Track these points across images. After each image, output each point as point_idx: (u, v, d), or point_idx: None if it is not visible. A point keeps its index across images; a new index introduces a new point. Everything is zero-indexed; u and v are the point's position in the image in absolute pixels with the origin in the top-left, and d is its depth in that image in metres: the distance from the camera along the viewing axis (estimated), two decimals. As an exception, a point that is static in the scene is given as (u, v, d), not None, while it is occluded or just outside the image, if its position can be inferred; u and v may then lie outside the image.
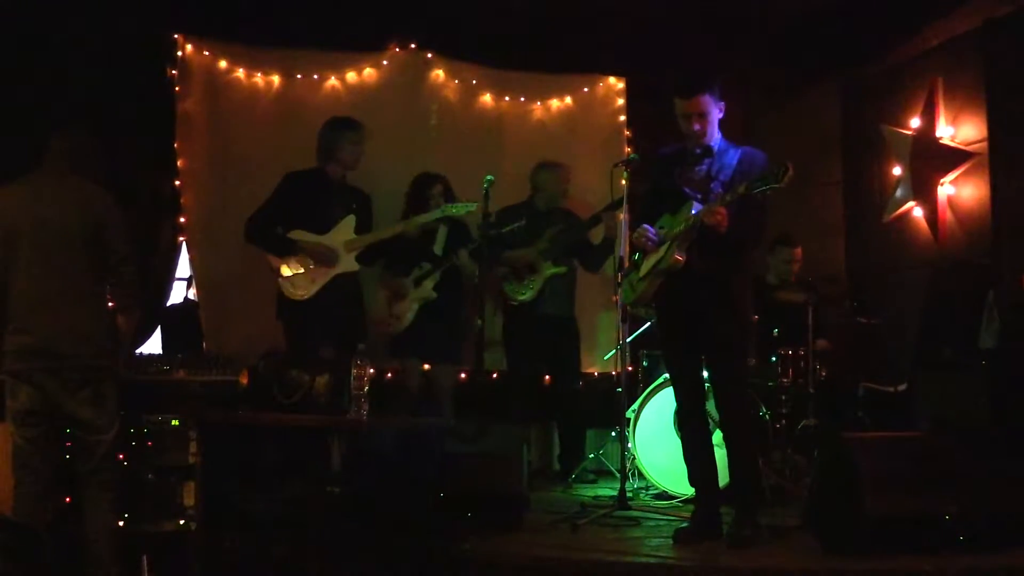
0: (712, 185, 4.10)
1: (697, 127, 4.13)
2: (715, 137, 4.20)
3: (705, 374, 4.37)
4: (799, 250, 6.19)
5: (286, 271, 5.23)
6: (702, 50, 6.50)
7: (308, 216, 5.25)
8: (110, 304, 3.98)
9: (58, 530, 3.91)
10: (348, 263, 5.27)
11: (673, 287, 4.16)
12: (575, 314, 6.12)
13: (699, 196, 4.10)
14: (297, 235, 5.23)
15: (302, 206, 5.26)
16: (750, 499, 4.19)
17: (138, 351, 5.49)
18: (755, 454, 4.33)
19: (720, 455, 4.35)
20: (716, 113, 4.17)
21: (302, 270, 5.22)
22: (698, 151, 4.20)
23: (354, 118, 5.47)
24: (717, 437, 4.43)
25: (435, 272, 5.59)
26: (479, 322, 5.23)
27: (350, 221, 5.32)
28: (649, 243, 4.22)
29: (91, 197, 3.89)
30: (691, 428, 4.34)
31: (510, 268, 5.89)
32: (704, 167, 4.19)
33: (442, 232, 5.72)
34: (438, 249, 5.67)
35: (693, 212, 4.05)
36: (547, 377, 6.17)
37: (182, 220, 5.98)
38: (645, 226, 4.25)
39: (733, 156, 4.14)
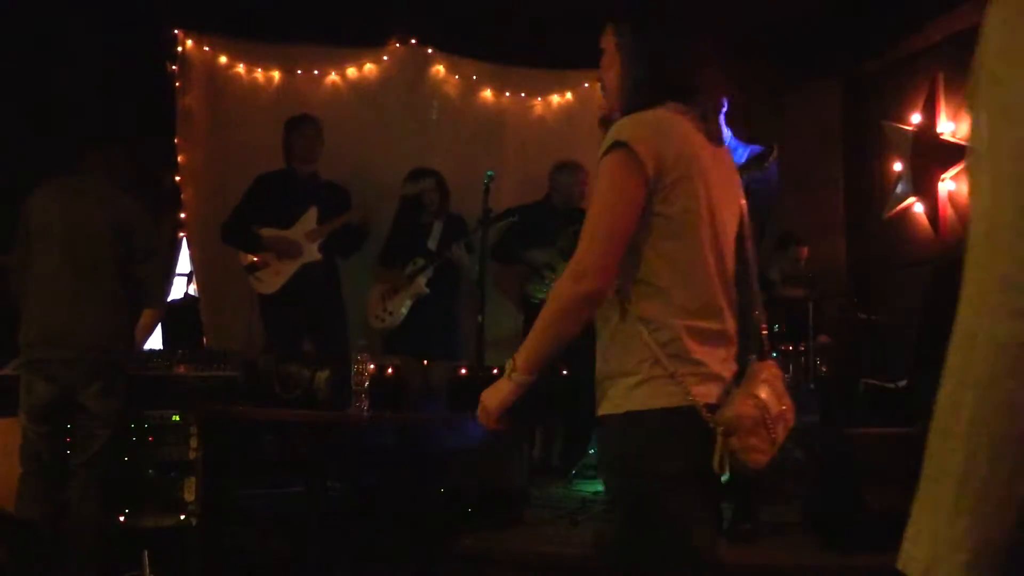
0: None
1: None
2: (723, 134, 4.22)
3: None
4: (805, 249, 6.21)
5: (253, 269, 5.28)
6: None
7: (276, 213, 5.30)
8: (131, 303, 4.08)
9: (58, 525, 3.92)
10: (310, 253, 5.31)
11: None
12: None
13: None
14: (264, 232, 5.26)
15: (270, 204, 5.31)
16: (749, 494, 4.19)
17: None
18: None
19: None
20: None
21: (268, 265, 5.27)
22: None
23: (307, 114, 5.49)
24: None
25: (428, 267, 5.58)
26: (480, 318, 5.22)
27: (312, 213, 5.34)
28: None
29: (120, 202, 4.04)
30: None
31: (530, 267, 5.88)
32: None
33: (437, 227, 5.71)
34: (432, 244, 5.66)
35: None
36: (564, 372, 6.15)
37: (182, 216, 5.98)
38: None
39: (742, 154, 4.15)
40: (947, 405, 1.05)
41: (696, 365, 1.98)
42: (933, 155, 6.13)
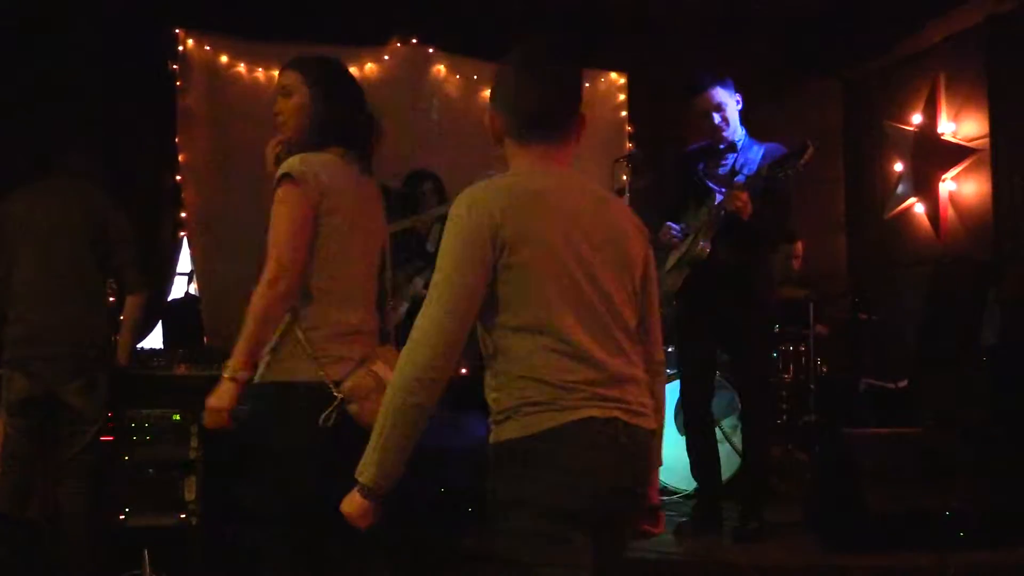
0: (736, 179, 4.12)
1: (718, 119, 4.15)
2: (739, 132, 4.21)
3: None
4: (800, 244, 6.18)
5: None
6: (703, 45, 6.49)
7: None
8: (112, 299, 4.08)
9: (56, 524, 3.94)
10: None
11: (697, 279, 4.16)
12: None
13: (723, 190, 4.12)
14: None
15: None
16: (760, 493, 4.19)
17: (139, 346, 5.50)
18: (769, 450, 4.34)
19: (723, 451, 4.36)
20: (734, 105, 4.18)
21: None
22: (722, 147, 4.21)
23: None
24: (718, 433, 4.45)
25: (426, 269, 5.56)
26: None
27: None
28: (674, 239, 4.24)
29: (93, 199, 4.07)
30: (697, 422, 4.35)
31: None
32: (728, 162, 4.20)
33: (436, 229, 5.69)
34: (431, 247, 5.64)
35: (716, 202, 4.08)
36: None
37: (183, 215, 5.97)
38: (668, 224, 4.27)
39: (757, 151, 4.16)
40: (386, 397, 1.97)
41: (332, 349, 2.54)
42: (934, 155, 6.12)
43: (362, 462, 2.00)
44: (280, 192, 2.55)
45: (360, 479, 2.00)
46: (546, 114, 2.15)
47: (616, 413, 1.94)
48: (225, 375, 2.53)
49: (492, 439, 2.02)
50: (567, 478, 1.90)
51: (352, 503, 2.03)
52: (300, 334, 2.54)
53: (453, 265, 1.94)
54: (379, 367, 2.57)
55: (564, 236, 1.98)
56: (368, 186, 2.76)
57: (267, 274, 2.50)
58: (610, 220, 2.11)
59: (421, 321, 1.94)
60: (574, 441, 1.91)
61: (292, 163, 2.57)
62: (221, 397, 2.51)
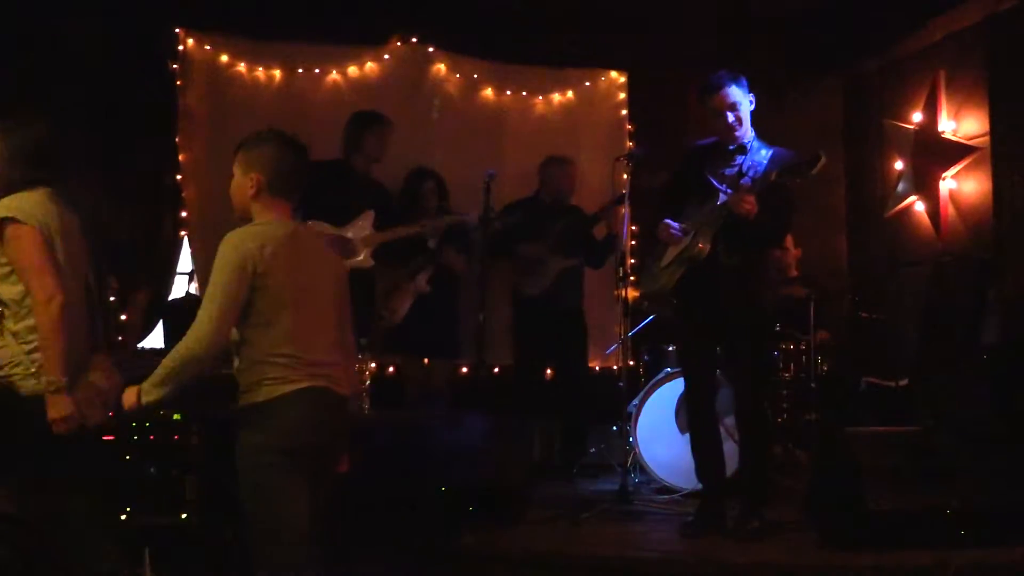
0: (742, 181, 4.10)
1: (731, 119, 4.14)
2: (749, 134, 4.21)
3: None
4: (789, 239, 6.16)
5: None
6: (703, 45, 6.49)
7: (330, 208, 5.20)
8: (112, 298, 4.10)
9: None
10: (364, 259, 5.23)
11: (695, 278, 4.15)
12: (583, 307, 6.11)
13: (729, 190, 4.11)
14: (315, 226, 5.20)
15: (322, 196, 5.21)
16: (760, 492, 4.19)
17: (139, 346, 5.51)
18: (769, 448, 4.32)
19: (726, 448, 4.36)
20: (747, 105, 4.18)
21: None
22: (731, 147, 4.20)
23: (380, 112, 5.42)
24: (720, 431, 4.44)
25: (429, 266, 5.57)
26: (480, 317, 5.22)
27: (369, 216, 5.27)
28: (673, 236, 4.23)
29: (94, 202, 4.11)
30: (702, 421, 4.33)
31: (522, 262, 5.88)
32: (736, 163, 4.19)
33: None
34: (432, 243, 5.65)
35: (719, 202, 4.07)
36: (554, 370, 6.14)
37: (184, 214, 5.97)
38: (667, 220, 4.25)
39: (765, 155, 4.14)
40: (178, 360, 2.87)
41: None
42: (934, 154, 6.12)
43: (147, 387, 2.84)
44: (10, 232, 3.00)
45: (147, 398, 2.83)
46: (293, 178, 3.01)
47: (324, 383, 2.86)
48: (51, 391, 2.96)
49: (240, 403, 2.89)
50: (290, 426, 2.79)
51: (128, 400, 2.83)
52: (23, 355, 3.01)
53: (224, 285, 2.80)
54: (95, 376, 3.10)
55: (296, 267, 2.86)
56: (73, 219, 3.19)
57: (39, 297, 2.96)
58: (324, 255, 3.05)
59: (203, 319, 2.80)
60: (297, 402, 2.79)
61: (8, 205, 3.02)
62: (60, 409, 2.97)
